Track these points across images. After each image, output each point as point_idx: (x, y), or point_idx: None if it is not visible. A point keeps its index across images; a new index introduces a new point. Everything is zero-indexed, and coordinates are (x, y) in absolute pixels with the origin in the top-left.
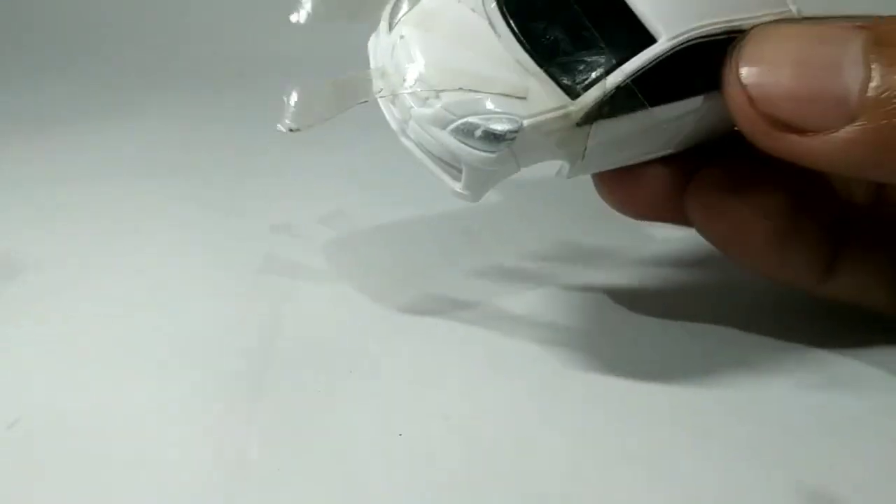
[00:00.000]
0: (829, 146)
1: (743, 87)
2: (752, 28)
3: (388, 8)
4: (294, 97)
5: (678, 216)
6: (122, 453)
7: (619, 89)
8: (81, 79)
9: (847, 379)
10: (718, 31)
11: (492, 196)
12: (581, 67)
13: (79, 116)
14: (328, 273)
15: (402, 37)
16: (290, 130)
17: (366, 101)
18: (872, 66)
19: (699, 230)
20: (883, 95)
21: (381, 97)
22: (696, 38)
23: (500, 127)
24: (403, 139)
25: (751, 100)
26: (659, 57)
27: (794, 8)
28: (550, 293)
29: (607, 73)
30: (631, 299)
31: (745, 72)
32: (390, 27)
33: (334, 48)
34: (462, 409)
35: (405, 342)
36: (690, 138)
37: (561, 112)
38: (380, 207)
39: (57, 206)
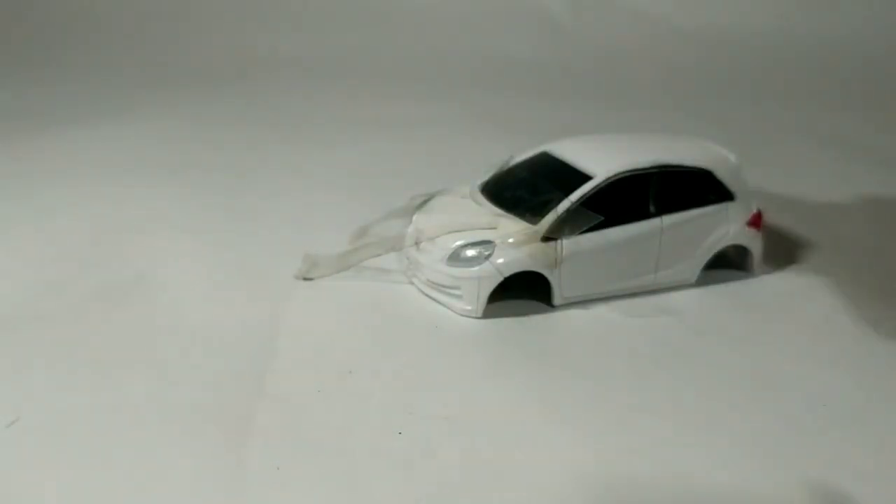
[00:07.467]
0: None
1: None
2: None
3: (418, 203)
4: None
5: None
6: (121, 452)
7: (570, 212)
8: (81, 79)
9: (847, 372)
10: (647, 165)
11: None
12: (539, 205)
13: (79, 116)
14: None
15: (413, 220)
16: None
17: (381, 254)
18: None
19: None
20: None
21: (403, 252)
22: (626, 172)
23: (478, 245)
24: (419, 284)
25: None
26: (598, 186)
27: (732, 157)
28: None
29: (558, 202)
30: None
31: None
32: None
33: (334, 48)
34: (462, 408)
35: (405, 342)
36: (663, 264)
37: (524, 230)
38: (380, 206)
39: (56, 206)
